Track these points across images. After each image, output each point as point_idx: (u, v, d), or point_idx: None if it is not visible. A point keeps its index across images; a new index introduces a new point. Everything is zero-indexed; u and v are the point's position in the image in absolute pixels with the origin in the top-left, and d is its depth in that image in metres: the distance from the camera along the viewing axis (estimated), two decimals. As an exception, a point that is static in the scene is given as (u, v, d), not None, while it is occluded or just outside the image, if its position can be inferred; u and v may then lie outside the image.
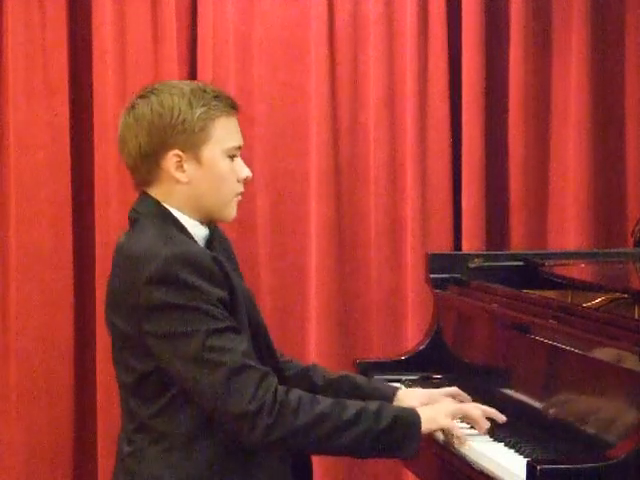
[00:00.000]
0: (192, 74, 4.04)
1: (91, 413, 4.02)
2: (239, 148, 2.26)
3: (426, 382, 2.89)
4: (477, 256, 3.13)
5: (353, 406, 2.16)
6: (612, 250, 3.45)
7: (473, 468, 2.30)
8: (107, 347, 3.92)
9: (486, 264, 3.05)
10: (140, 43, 3.97)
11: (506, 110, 4.07)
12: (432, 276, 3.04)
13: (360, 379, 2.50)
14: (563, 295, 2.79)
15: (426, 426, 2.22)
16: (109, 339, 3.93)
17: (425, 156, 4.05)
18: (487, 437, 2.40)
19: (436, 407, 2.33)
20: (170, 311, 2.09)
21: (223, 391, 2.08)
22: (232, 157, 2.24)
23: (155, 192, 2.23)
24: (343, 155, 4.07)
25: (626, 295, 2.59)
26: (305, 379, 2.44)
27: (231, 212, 2.29)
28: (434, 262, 3.06)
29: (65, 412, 4.02)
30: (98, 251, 3.96)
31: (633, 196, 4.10)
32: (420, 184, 4.03)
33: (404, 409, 2.26)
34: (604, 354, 2.23)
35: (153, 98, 2.19)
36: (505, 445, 2.33)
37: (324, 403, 2.14)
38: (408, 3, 4.01)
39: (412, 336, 3.93)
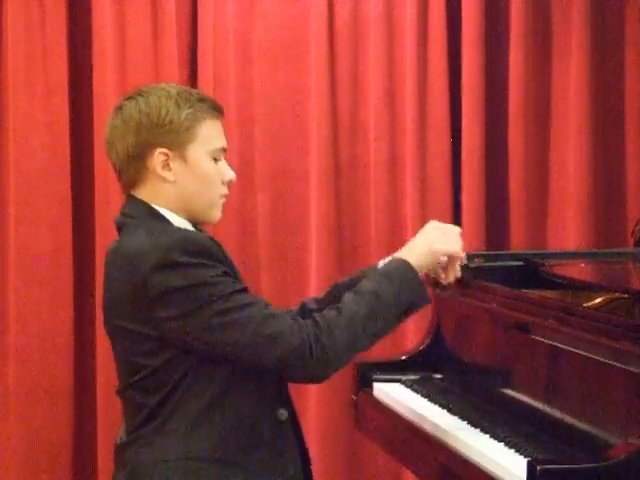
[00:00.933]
0: (192, 74, 4.04)
1: (91, 413, 4.02)
2: (224, 150, 2.28)
3: (426, 382, 2.90)
4: (477, 256, 3.12)
5: (357, 294, 2.20)
6: (612, 250, 3.45)
7: (473, 468, 2.30)
8: (107, 347, 3.93)
9: (486, 264, 3.05)
10: (140, 43, 3.97)
11: (506, 110, 4.08)
12: (432, 276, 3.03)
13: (346, 278, 2.51)
14: (563, 295, 2.78)
15: (418, 262, 2.31)
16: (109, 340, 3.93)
17: (425, 156, 4.05)
18: (487, 436, 2.40)
19: (414, 244, 2.42)
20: (182, 292, 2.10)
21: (264, 341, 2.10)
22: (216, 159, 2.26)
23: (142, 193, 2.24)
24: (343, 155, 4.08)
25: (626, 295, 2.59)
26: (306, 315, 2.41)
27: (216, 213, 2.30)
28: (434, 262, 3.05)
29: (65, 412, 4.02)
30: (98, 251, 3.97)
31: (633, 196, 4.10)
32: (420, 184, 4.03)
33: (389, 263, 2.32)
34: (604, 354, 2.23)
35: (140, 99, 2.22)
36: (505, 445, 2.33)
37: (343, 306, 2.17)
38: (408, 3, 4.02)
39: (412, 336, 3.93)
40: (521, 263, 3.06)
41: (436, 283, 2.48)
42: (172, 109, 2.20)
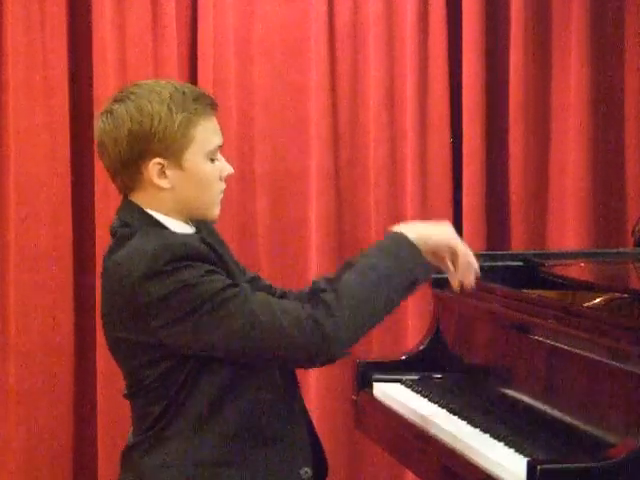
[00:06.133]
0: (192, 74, 4.04)
1: (91, 413, 4.02)
2: (220, 147, 2.24)
3: (426, 382, 2.89)
4: (477, 256, 3.12)
5: (355, 271, 2.14)
6: (612, 250, 3.45)
7: (473, 468, 2.30)
8: (107, 347, 3.95)
9: (486, 264, 3.05)
10: (140, 43, 3.97)
11: (506, 110, 4.08)
12: (432, 276, 3.03)
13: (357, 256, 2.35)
14: (563, 295, 2.78)
15: (417, 237, 2.22)
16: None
17: (425, 156, 4.05)
18: (487, 436, 2.40)
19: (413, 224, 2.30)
20: (170, 299, 2.07)
21: (259, 331, 2.06)
22: (213, 159, 2.22)
23: (138, 198, 2.20)
24: (343, 155, 4.08)
25: (626, 295, 2.59)
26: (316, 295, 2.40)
27: (215, 212, 2.26)
28: (434, 262, 3.05)
29: (65, 412, 4.02)
30: (98, 251, 3.96)
31: (633, 196, 4.10)
32: (420, 184, 4.03)
33: (385, 237, 2.24)
34: (604, 354, 2.23)
35: (131, 104, 2.17)
36: (505, 445, 2.33)
37: (341, 285, 2.11)
38: (408, 3, 4.02)
39: (412, 336, 3.93)
40: (521, 263, 3.06)
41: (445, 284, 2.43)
42: (165, 116, 2.14)
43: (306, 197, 4.07)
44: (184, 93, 2.18)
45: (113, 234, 2.22)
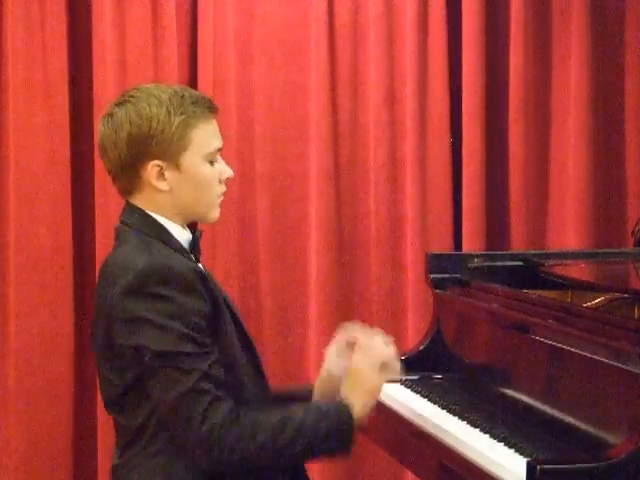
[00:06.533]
0: (192, 74, 4.04)
1: (91, 413, 4.02)
2: (219, 150, 2.25)
3: (426, 382, 2.89)
4: (477, 256, 3.13)
5: (293, 421, 2.12)
6: (612, 250, 3.45)
7: (473, 468, 2.30)
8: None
9: (486, 264, 3.05)
10: (140, 43, 3.97)
11: (506, 110, 4.07)
12: (432, 276, 3.04)
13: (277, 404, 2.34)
14: (563, 295, 2.79)
15: (363, 411, 2.22)
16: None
17: (425, 156, 4.05)
18: (487, 436, 2.40)
19: (361, 384, 2.26)
20: (140, 325, 2.08)
21: (173, 412, 2.08)
22: (212, 162, 2.23)
23: (138, 200, 2.22)
24: (343, 155, 4.08)
25: (626, 295, 2.59)
26: (278, 399, 2.37)
27: (215, 214, 2.27)
28: (434, 262, 3.06)
29: (65, 412, 4.01)
30: (98, 251, 3.96)
31: (633, 196, 4.10)
32: (420, 184, 4.03)
33: (338, 410, 2.19)
34: (604, 354, 2.23)
35: (130, 107, 2.18)
36: (505, 445, 2.33)
37: (268, 423, 2.10)
38: (408, 3, 4.02)
39: (412, 336, 3.93)
40: (521, 263, 3.06)
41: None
42: (163, 118, 2.15)
43: (306, 197, 4.07)
44: (183, 96, 2.19)
45: (115, 235, 2.25)
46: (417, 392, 2.83)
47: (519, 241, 4.07)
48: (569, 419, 2.32)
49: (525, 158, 4.06)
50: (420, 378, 2.93)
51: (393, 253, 4.07)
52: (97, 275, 2.26)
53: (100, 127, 2.23)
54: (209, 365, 2.09)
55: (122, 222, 2.23)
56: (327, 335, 4.00)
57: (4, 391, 3.99)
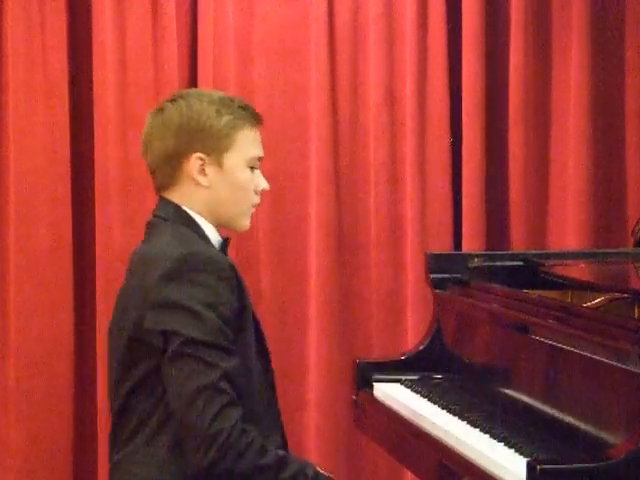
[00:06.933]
0: (192, 74, 4.04)
1: (91, 413, 4.02)
2: (260, 159, 2.33)
3: (426, 382, 2.90)
4: (477, 256, 3.13)
5: (291, 469, 2.15)
6: (612, 250, 3.45)
7: (473, 468, 2.30)
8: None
9: (486, 264, 3.05)
10: (140, 43, 3.97)
11: (506, 110, 4.07)
12: (432, 276, 3.04)
13: None
14: (563, 295, 2.79)
15: None
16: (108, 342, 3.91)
17: (425, 156, 4.05)
18: (487, 436, 2.40)
19: None
20: (176, 310, 2.10)
21: (187, 402, 2.08)
22: (252, 168, 2.30)
23: (175, 195, 2.26)
24: (343, 155, 4.07)
25: (626, 295, 2.59)
26: None
27: (246, 222, 2.32)
28: (434, 262, 3.06)
29: (65, 412, 4.01)
30: (98, 251, 3.97)
31: (633, 196, 4.10)
32: (420, 184, 4.03)
33: None
34: (604, 354, 2.23)
35: (182, 102, 2.25)
36: (505, 445, 2.33)
37: (269, 458, 2.12)
38: (408, 3, 4.02)
39: (412, 336, 3.93)
40: (521, 263, 3.06)
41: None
42: (213, 114, 2.23)
43: (306, 197, 4.07)
44: (232, 100, 2.30)
45: (148, 228, 2.27)
46: (417, 392, 2.83)
47: (519, 241, 4.07)
48: (569, 419, 2.32)
49: (525, 158, 4.06)
50: (420, 378, 2.93)
51: (393, 253, 4.07)
52: (127, 267, 2.29)
53: (148, 121, 2.28)
54: (232, 365, 2.10)
55: (156, 216, 2.27)
56: (327, 335, 4.03)
57: (4, 391, 3.99)
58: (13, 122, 3.95)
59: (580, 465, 2.01)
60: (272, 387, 2.31)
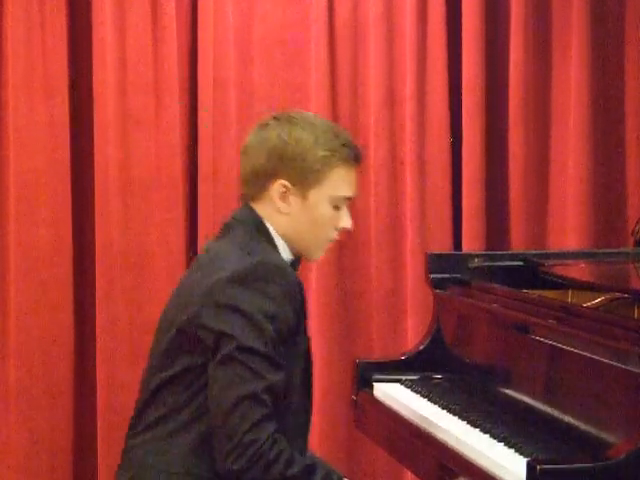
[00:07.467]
0: (192, 74, 4.03)
1: (91, 413, 4.02)
2: (349, 199, 2.29)
3: (426, 382, 2.90)
4: (477, 256, 3.13)
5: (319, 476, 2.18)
6: (612, 250, 3.45)
7: (473, 468, 2.30)
8: (107, 347, 3.95)
9: (486, 264, 3.05)
10: (140, 43, 3.97)
11: (506, 110, 4.07)
12: (432, 276, 3.04)
13: None
14: (563, 295, 2.79)
15: None
16: (109, 339, 3.93)
17: (425, 156, 4.05)
18: (487, 436, 2.40)
19: None
20: (237, 314, 2.11)
21: (229, 406, 2.10)
22: (337, 207, 2.27)
23: (258, 208, 2.27)
24: (343, 155, 4.07)
25: (626, 295, 2.59)
26: None
27: (318, 255, 2.34)
28: (434, 262, 3.06)
29: (65, 412, 4.01)
30: (98, 251, 3.97)
31: (633, 196, 4.10)
32: (420, 184, 4.03)
33: None
34: (604, 354, 2.23)
35: (285, 124, 2.24)
36: (505, 445, 2.33)
37: (296, 468, 2.14)
38: (408, 3, 4.02)
39: (412, 336, 3.93)
40: (521, 263, 3.06)
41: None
42: (309, 146, 2.22)
43: (306, 197, 4.06)
44: (337, 135, 2.25)
45: (223, 228, 2.29)
46: (417, 392, 2.83)
47: (519, 241, 4.07)
48: (569, 419, 2.32)
49: (525, 158, 4.06)
50: (420, 378, 2.93)
51: (393, 253, 4.07)
52: (194, 261, 2.30)
53: (252, 131, 2.29)
54: (277, 379, 2.13)
55: (234, 218, 2.28)
56: (327, 335, 4.03)
57: (4, 391, 3.99)
58: (13, 122, 3.95)
59: (580, 465, 2.01)
60: (308, 409, 2.33)
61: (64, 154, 3.99)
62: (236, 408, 2.09)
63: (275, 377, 2.12)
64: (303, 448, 2.28)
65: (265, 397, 2.10)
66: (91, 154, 3.99)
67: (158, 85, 3.97)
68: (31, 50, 3.95)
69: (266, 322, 2.11)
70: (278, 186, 2.23)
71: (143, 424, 2.25)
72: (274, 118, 2.28)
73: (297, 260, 2.32)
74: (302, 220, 2.25)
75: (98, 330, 3.96)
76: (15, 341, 3.98)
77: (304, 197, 2.24)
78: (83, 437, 4.06)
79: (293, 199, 2.24)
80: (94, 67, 3.97)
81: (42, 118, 3.97)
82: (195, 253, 3.99)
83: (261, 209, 2.26)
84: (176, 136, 3.97)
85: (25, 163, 3.97)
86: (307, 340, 2.28)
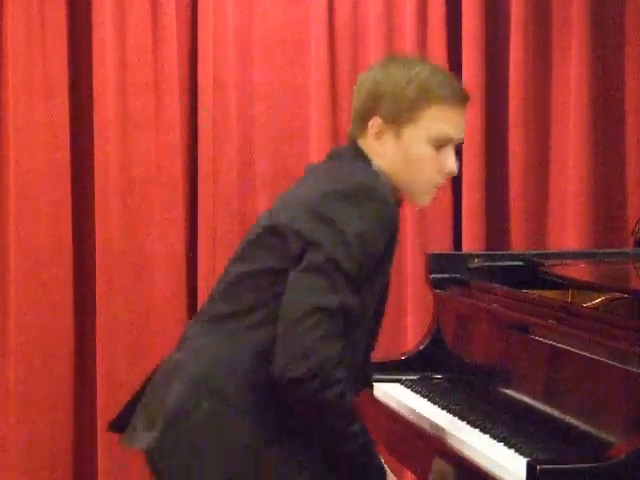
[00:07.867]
0: (192, 74, 4.03)
1: (91, 413, 4.02)
2: (451, 140, 2.25)
3: (426, 382, 2.89)
4: (477, 256, 3.12)
5: (361, 428, 2.19)
6: (612, 250, 3.45)
7: (473, 468, 2.30)
8: (107, 347, 3.95)
9: (486, 264, 3.05)
10: (140, 43, 3.97)
11: (506, 110, 4.07)
12: (432, 276, 3.04)
13: None
14: (563, 295, 2.78)
15: None
16: (109, 339, 3.93)
17: (425, 156, 4.04)
18: (487, 436, 2.40)
19: None
20: (332, 228, 2.09)
21: (302, 314, 2.06)
22: (439, 147, 2.23)
23: (363, 146, 2.27)
24: (343, 155, 4.07)
25: (626, 295, 2.59)
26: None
27: (423, 199, 2.31)
28: (434, 262, 3.06)
29: (65, 412, 4.02)
30: (98, 251, 3.97)
31: (633, 196, 4.10)
32: (420, 184, 4.03)
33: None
34: (604, 354, 2.23)
35: (384, 65, 2.27)
36: (505, 445, 2.33)
37: (346, 405, 2.12)
38: (408, 3, 4.02)
39: (412, 336, 3.93)
40: (521, 263, 3.06)
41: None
42: (403, 85, 2.20)
43: (306, 197, 4.06)
44: (435, 75, 2.24)
45: (330, 153, 2.31)
46: (417, 392, 2.83)
47: (519, 241, 4.07)
48: (569, 419, 2.32)
49: (525, 158, 4.06)
50: (420, 378, 2.93)
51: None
52: (302, 174, 2.30)
53: (363, 72, 2.31)
54: (353, 302, 2.09)
55: (341, 147, 2.31)
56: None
57: (4, 391, 3.99)
58: (13, 122, 3.96)
59: (580, 465, 2.01)
60: (370, 345, 2.33)
61: (64, 154, 3.99)
62: (310, 316, 2.04)
63: (352, 299, 2.09)
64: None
65: (339, 314, 2.06)
66: (91, 154, 3.99)
67: (158, 85, 3.98)
68: (31, 50, 3.95)
69: (357, 241, 2.08)
70: (373, 125, 2.23)
71: (212, 315, 2.23)
72: (386, 59, 2.33)
73: (397, 203, 2.26)
74: (397, 159, 2.23)
75: (98, 330, 3.96)
76: (15, 341, 3.98)
77: (398, 136, 2.22)
78: (83, 437, 4.06)
79: (387, 138, 2.22)
80: (94, 67, 3.97)
81: (42, 118, 3.97)
82: (195, 253, 4.00)
83: (364, 148, 2.25)
84: (176, 136, 3.98)
85: (25, 163, 3.97)
86: (389, 276, 2.26)
